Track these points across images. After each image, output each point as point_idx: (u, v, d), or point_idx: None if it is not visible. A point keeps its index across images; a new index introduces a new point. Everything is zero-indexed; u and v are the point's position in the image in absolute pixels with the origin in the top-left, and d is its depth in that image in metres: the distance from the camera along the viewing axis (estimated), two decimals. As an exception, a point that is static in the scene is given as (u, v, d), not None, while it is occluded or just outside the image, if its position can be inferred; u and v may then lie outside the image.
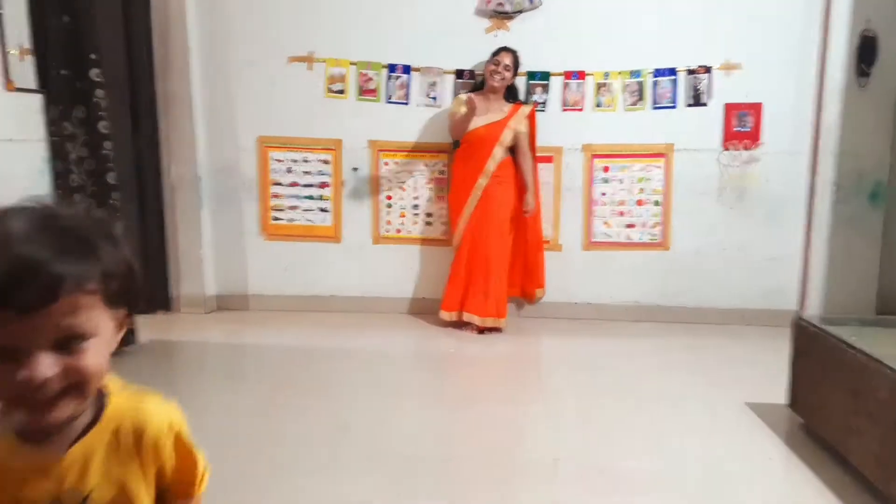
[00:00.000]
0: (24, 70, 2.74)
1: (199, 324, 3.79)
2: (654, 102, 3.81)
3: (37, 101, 2.82)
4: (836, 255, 3.77)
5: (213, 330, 3.71)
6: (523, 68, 3.75)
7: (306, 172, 3.98)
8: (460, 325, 3.66)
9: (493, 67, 3.56)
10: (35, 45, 2.77)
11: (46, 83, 2.82)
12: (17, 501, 0.72)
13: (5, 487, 0.72)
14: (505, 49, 3.58)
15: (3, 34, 2.61)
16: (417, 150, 3.92)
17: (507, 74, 3.57)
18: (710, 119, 3.80)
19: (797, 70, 3.72)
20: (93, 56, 2.88)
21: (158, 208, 3.88)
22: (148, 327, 3.47)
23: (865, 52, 3.62)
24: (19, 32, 2.70)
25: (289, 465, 2.12)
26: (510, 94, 3.66)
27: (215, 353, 3.43)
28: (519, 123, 3.60)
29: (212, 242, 4.01)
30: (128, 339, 3.13)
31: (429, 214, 3.99)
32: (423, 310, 3.97)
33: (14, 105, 2.70)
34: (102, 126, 2.94)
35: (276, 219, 4.02)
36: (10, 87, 2.67)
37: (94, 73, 2.89)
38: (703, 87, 3.78)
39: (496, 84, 3.57)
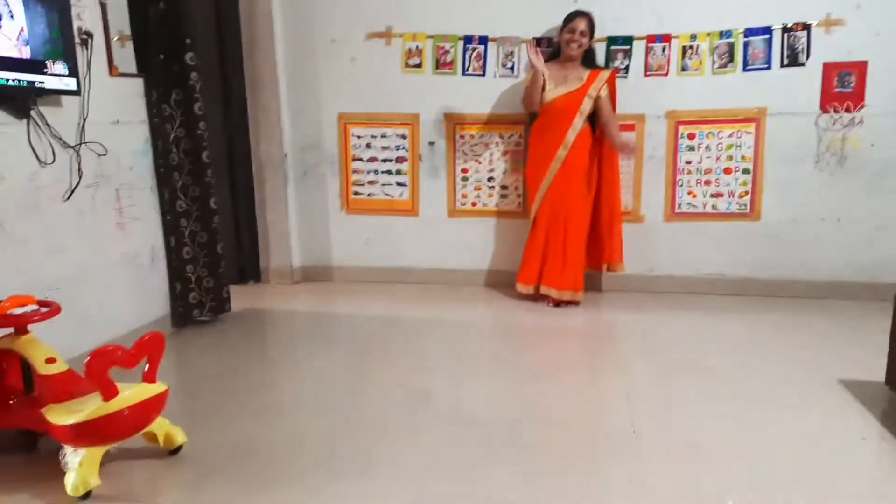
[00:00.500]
0: (125, 56, 2.94)
1: (286, 293, 3.99)
2: (746, 64, 3.60)
3: (138, 85, 3.03)
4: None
5: (300, 299, 3.90)
6: (604, 33, 3.64)
7: (384, 147, 4.06)
8: (537, 297, 3.66)
9: (568, 36, 3.46)
10: (134, 31, 2.96)
11: (146, 68, 3.02)
12: None
13: None
14: (579, 14, 3.47)
15: (106, 22, 2.80)
16: (493, 121, 3.91)
17: (584, 40, 3.47)
18: (808, 80, 3.55)
19: (909, 23, 3.41)
20: (188, 40, 3.04)
21: (248, 184, 4.09)
22: (240, 296, 3.71)
23: None
24: (119, 20, 2.89)
25: (367, 428, 2.22)
26: (588, 59, 3.56)
27: (302, 321, 3.60)
28: (599, 89, 3.51)
29: (297, 217, 4.18)
30: (222, 307, 3.37)
31: (504, 187, 3.98)
32: (498, 282, 4.00)
33: (118, 89, 2.91)
34: (197, 107, 3.12)
35: (357, 193, 4.14)
36: (115, 71, 2.86)
37: (189, 57, 3.06)
38: (800, 45, 3.53)
39: (573, 52, 3.48)
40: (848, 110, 3.54)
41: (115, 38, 2.84)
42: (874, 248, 3.62)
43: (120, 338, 2.78)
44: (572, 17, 3.47)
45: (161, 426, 2.00)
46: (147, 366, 1.93)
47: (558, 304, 3.58)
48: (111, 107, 2.85)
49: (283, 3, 3.93)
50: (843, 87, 3.52)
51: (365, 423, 2.26)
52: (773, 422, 2.23)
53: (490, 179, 3.99)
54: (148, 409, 1.91)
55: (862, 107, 3.52)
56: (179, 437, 2.03)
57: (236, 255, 4.09)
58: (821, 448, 2.06)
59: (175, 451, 2.02)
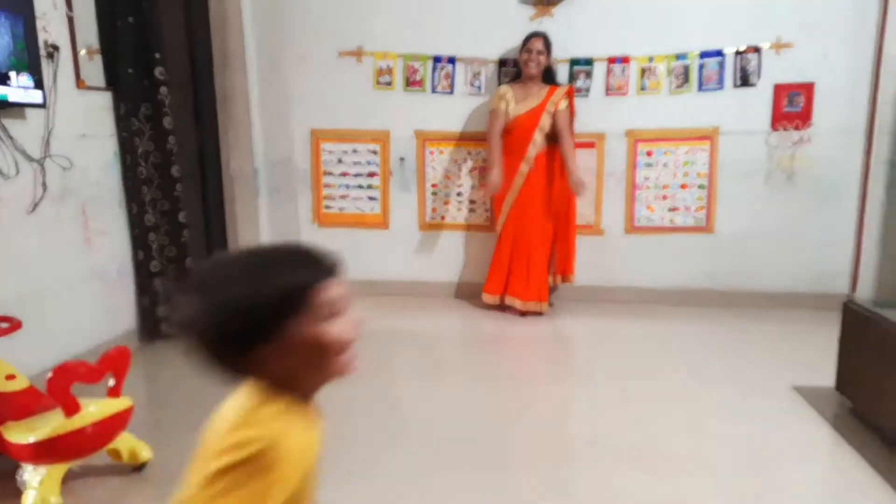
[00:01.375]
0: (93, 69, 2.94)
1: (255, 308, 3.97)
2: (701, 85, 3.76)
3: (106, 98, 3.02)
4: (890, 238, 3.64)
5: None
6: (567, 55, 3.77)
7: (356, 163, 4.10)
8: (503, 308, 3.73)
9: (525, 56, 3.59)
10: (103, 45, 2.97)
11: (115, 81, 3.02)
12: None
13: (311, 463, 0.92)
14: (535, 34, 3.60)
15: (73, 35, 2.80)
16: (462, 139, 3.99)
17: (541, 59, 3.59)
18: (759, 100, 3.72)
19: (853, 47, 3.60)
20: (157, 55, 3.06)
21: (219, 199, 4.07)
22: (209, 311, 3.67)
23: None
24: (87, 33, 2.89)
25: (334, 439, 2.24)
26: (548, 76, 3.68)
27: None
28: (556, 104, 3.60)
29: (269, 230, 4.19)
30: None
31: (472, 202, 4.06)
32: (467, 293, 4.06)
33: (86, 102, 2.90)
34: (166, 122, 3.13)
35: (328, 207, 4.17)
36: (82, 85, 2.86)
37: (159, 72, 3.07)
38: (751, 67, 3.70)
39: (532, 71, 3.60)
40: (797, 129, 3.71)
41: (82, 52, 2.85)
42: (822, 259, 3.79)
43: (86, 352, 2.75)
44: (529, 37, 3.60)
45: (126, 442, 1.97)
46: (112, 381, 1.92)
47: (523, 314, 3.66)
48: (78, 120, 2.84)
49: (254, 19, 3.96)
50: (793, 107, 3.70)
51: (332, 433, 2.27)
52: (731, 428, 2.32)
53: (459, 194, 4.06)
54: (112, 426, 1.88)
55: (810, 126, 3.70)
56: (145, 453, 2.00)
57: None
58: (776, 453, 2.15)
59: (140, 467, 2.00)
